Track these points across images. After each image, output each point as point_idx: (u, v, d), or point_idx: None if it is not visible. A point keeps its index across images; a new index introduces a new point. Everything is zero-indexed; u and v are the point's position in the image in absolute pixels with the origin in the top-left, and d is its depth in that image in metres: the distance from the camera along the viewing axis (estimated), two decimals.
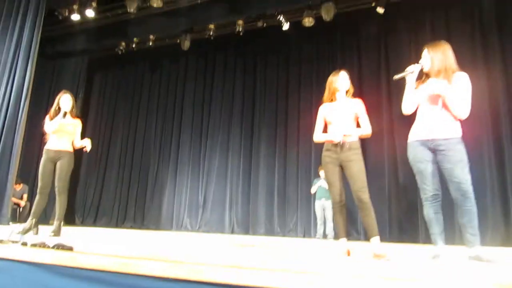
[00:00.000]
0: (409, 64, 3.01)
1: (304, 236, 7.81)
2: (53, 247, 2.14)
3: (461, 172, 2.63)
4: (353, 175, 3.15)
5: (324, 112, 3.41)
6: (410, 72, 2.88)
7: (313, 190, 7.41)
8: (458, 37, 7.29)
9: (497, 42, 6.91)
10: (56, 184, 4.57)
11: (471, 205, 2.58)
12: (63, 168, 4.63)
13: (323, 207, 7.20)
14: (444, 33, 7.42)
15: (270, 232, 8.13)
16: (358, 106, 3.33)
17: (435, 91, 2.67)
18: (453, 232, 5.77)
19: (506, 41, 6.83)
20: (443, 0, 6.86)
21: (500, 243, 6.18)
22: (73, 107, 4.77)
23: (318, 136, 3.42)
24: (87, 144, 4.72)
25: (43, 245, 2.14)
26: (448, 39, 7.21)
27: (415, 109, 2.83)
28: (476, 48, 7.10)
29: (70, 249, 2.17)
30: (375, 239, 3.06)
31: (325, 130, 3.42)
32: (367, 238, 3.16)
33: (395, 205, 7.16)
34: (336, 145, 3.23)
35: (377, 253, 2.98)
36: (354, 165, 3.17)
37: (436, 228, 2.68)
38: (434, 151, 2.74)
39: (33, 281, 2.00)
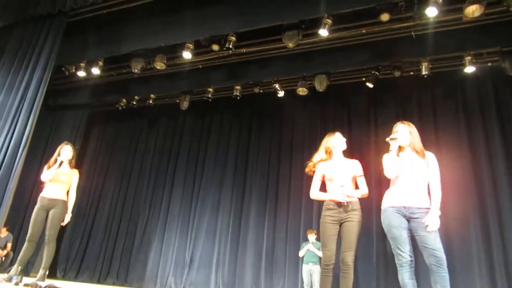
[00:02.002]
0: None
1: None
2: (45, 287, 2.20)
3: (434, 240, 2.78)
4: (347, 235, 3.27)
5: (323, 169, 3.53)
6: (395, 139, 3.11)
7: (301, 254, 7.37)
8: (443, 113, 7.75)
9: (479, 121, 7.33)
10: (47, 232, 4.61)
11: (445, 272, 2.71)
12: (55, 216, 4.70)
13: (310, 272, 7.11)
14: (430, 109, 7.88)
15: None
16: (357, 167, 3.52)
17: (433, 228, 2.82)
18: None
19: (487, 120, 7.27)
20: (429, 79, 7.33)
21: None
22: (72, 157, 4.94)
23: (316, 194, 3.51)
24: (66, 219, 4.87)
25: (35, 285, 2.21)
26: (434, 115, 7.75)
27: (397, 173, 3.02)
28: (460, 124, 7.51)
29: None
30: None
31: (321, 187, 3.55)
32: None
33: (382, 273, 7.11)
34: (339, 204, 3.35)
35: None
36: (352, 225, 3.30)
37: None
38: (409, 218, 2.90)
39: None
